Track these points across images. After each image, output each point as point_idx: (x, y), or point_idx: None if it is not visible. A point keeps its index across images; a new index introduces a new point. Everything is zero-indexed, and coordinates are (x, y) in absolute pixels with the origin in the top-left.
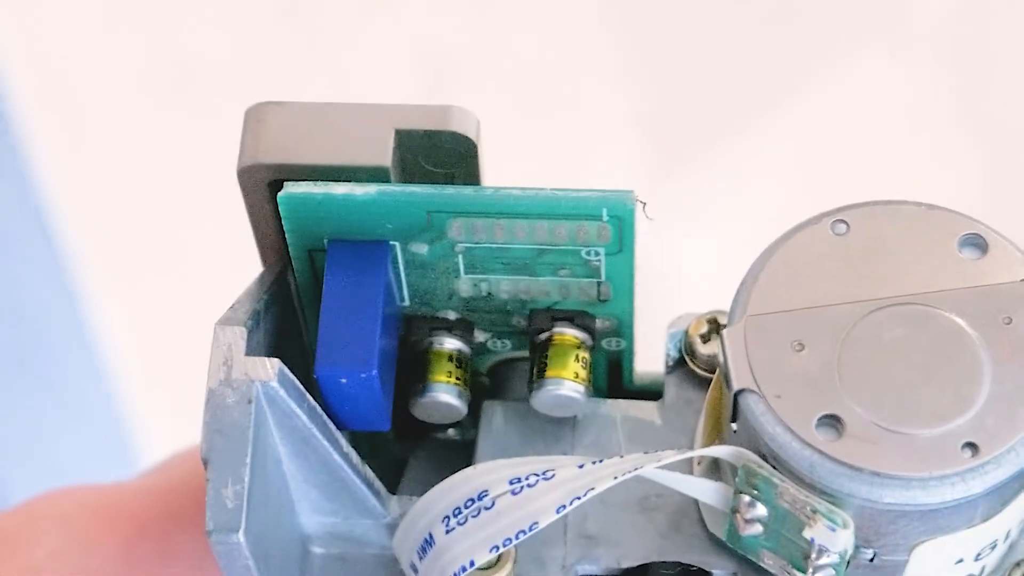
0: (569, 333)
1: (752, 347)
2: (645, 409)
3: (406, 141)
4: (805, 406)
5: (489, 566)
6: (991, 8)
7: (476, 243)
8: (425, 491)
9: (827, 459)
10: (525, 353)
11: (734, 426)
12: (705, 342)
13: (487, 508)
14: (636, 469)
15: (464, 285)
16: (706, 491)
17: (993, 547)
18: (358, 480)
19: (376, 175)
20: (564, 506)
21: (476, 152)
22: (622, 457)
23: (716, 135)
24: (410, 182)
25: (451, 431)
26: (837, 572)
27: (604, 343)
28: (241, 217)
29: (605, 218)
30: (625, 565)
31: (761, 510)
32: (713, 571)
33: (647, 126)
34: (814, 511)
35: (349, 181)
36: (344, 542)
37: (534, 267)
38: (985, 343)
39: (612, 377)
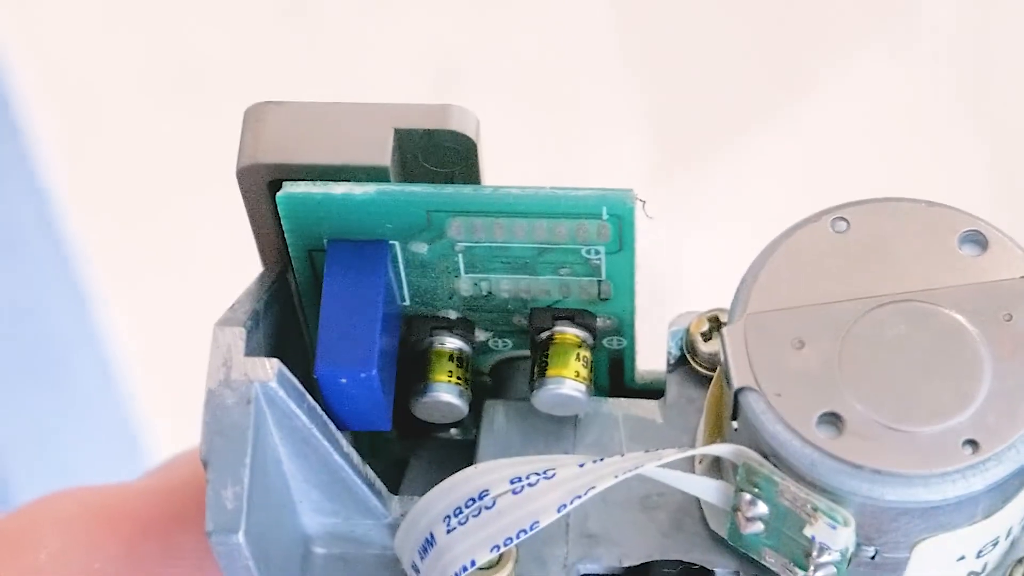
0: (570, 332)
1: (752, 345)
2: (647, 408)
3: (405, 140)
4: (805, 404)
5: (490, 565)
6: (992, 8)
7: (476, 242)
8: (427, 491)
9: (828, 457)
10: (526, 352)
11: (735, 424)
12: (706, 340)
13: (488, 507)
14: (637, 468)
15: (464, 284)
16: (707, 489)
17: (995, 544)
18: (359, 480)
19: (375, 175)
20: (565, 505)
21: (476, 151)
22: (623, 456)
23: (717, 135)
24: (410, 181)
25: (453, 431)
26: (839, 570)
27: (605, 342)
28: (243, 216)
29: (605, 216)
30: (627, 564)
31: (762, 508)
32: (715, 569)
33: (649, 125)
34: (815, 509)
35: (348, 181)
36: (345, 542)
37: (534, 266)
38: (985, 340)
39: (614, 376)
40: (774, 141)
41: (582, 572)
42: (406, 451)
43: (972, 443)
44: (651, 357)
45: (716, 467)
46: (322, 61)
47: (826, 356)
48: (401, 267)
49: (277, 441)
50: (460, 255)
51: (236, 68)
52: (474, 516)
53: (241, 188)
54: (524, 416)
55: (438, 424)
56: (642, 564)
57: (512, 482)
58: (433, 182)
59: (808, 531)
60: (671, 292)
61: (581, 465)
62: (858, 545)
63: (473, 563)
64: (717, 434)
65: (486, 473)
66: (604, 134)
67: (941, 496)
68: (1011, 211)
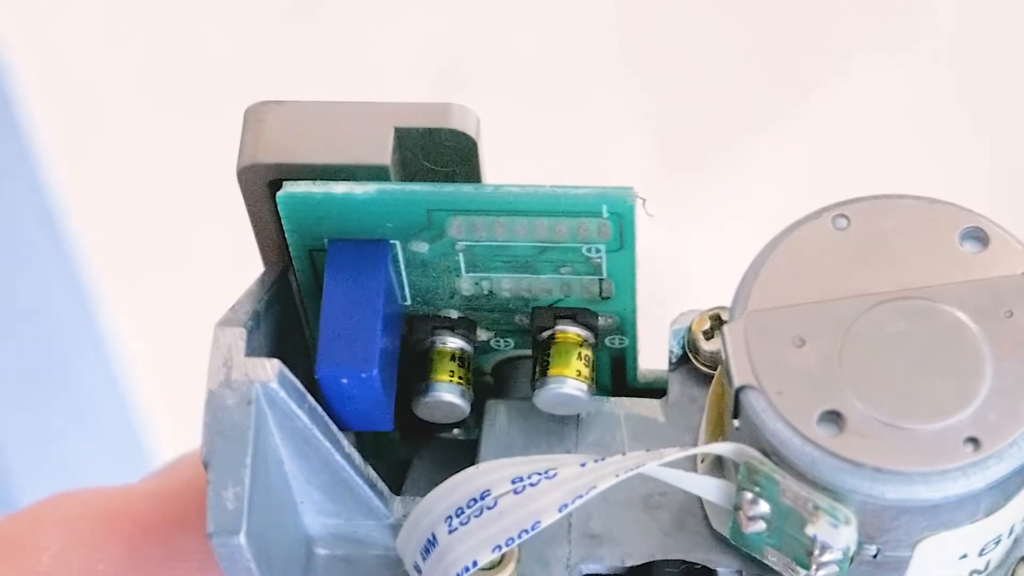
0: (571, 331)
1: (753, 343)
2: (649, 407)
3: (406, 139)
4: (806, 402)
5: (492, 566)
6: (992, 8)
7: (476, 241)
8: (429, 491)
9: (828, 455)
10: (528, 351)
11: (736, 423)
12: (708, 339)
13: (489, 508)
14: (638, 467)
15: (465, 284)
16: (709, 488)
17: (997, 542)
18: (361, 481)
19: (376, 174)
20: (566, 505)
21: (476, 150)
22: (624, 455)
23: (718, 134)
24: (410, 180)
25: (455, 430)
26: (840, 568)
27: (607, 341)
28: (244, 216)
29: (605, 215)
30: (629, 564)
31: (764, 507)
32: (717, 569)
33: (650, 125)
34: (816, 508)
35: (349, 180)
36: (348, 543)
37: (535, 265)
38: (986, 337)
39: (616, 375)
40: (774, 141)
41: (584, 572)
42: (408, 451)
43: (973, 441)
44: (653, 356)
45: (718, 466)
46: (322, 61)
47: (827, 354)
48: (402, 266)
49: (278, 442)
50: (461, 254)
51: (236, 68)
52: (476, 516)
53: (241, 188)
54: (526, 416)
55: (440, 424)
56: (644, 564)
57: (514, 482)
58: (433, 181)
59: (810, 530)
60: (672, 291)
61: (583, 464)
62: (860, 544)
63: (475, 563)
64: (719, 433)
65: (487, 473)
66: (604, 134)
67: (942, 494)
68: (1011, 210)
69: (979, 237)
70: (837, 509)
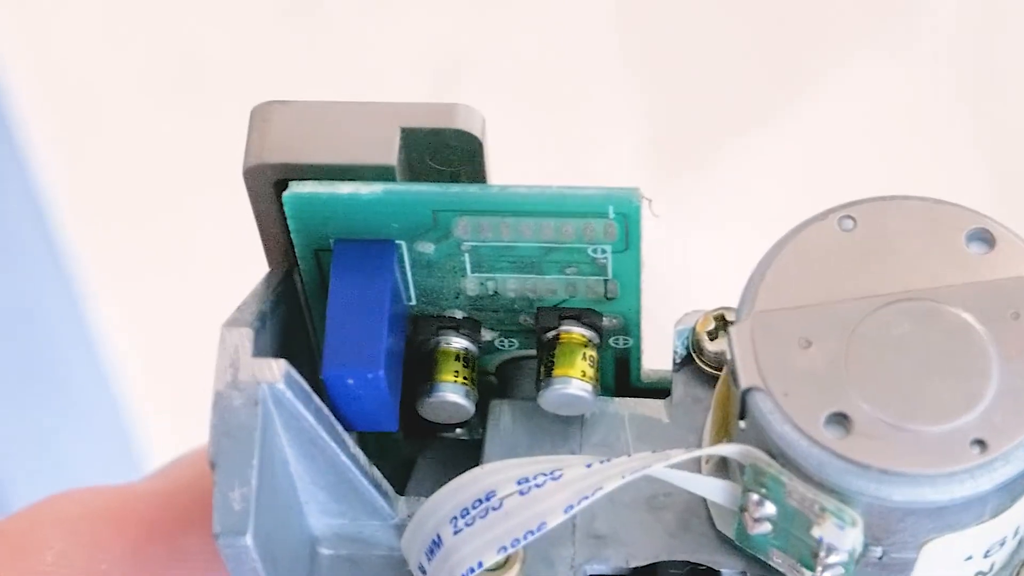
0: (576, 331)
1: (760, 344)
2: (653, 407)
3: (412, 140)
4: (813, 404)
5: (497, 567)
6: (992, 8)
7: (482, 242)
8: (433, 491)
9: (835, 457)
10: (532, 352)
11: (742, 424)
12: (712, 339)
13: (495, 509)
14: (644, 468)
15: (471, 284)
16: (715, 490)
17: (1002, 544)
18: (366, 481)
19: (382, 174)
20: (572, 506)
21: (482, 150)
22: (630, 456)
23: (720, 134)
24: (416, 181)
25: (459, 430)
26: (846, 570)
27: (611, 341)
28: (243, 217)
29: (611, 216)
30: (633, 564)
31: (770, 509)
32: (722, 570)
33: (650, 125)
34: (823, 509)
35: (355, 180)
36: (352, 543)
37: (541, 265)
38: (993, 338)
39: (619, 375)
40: (774, 140)
41: (589, 573)
42: (413, 451)
43: (980, 443)
44: (656, 356)
45: (723, 467)
46: (322, 61)
47: (833, 355)
48: (407, 267)
49: (284, 442)
50: (466, 254)
51: (236, 68)
52: (481, 517)
53: (248, 188)
54: (530, 416)
55: (444, 424)
56: (649, 565)
57: (519, 483)
58: (439, 181)
59: (816, 532)
60: (674, 291)
61: (588, 466)
62: (866, 545)
63: (480, 564)
64: (724, 433)
65: (493, 474)
66: (604, 134)
67: (949, 496)
68: (1011, 210)
69: (985, 238)
70: (843, 511)
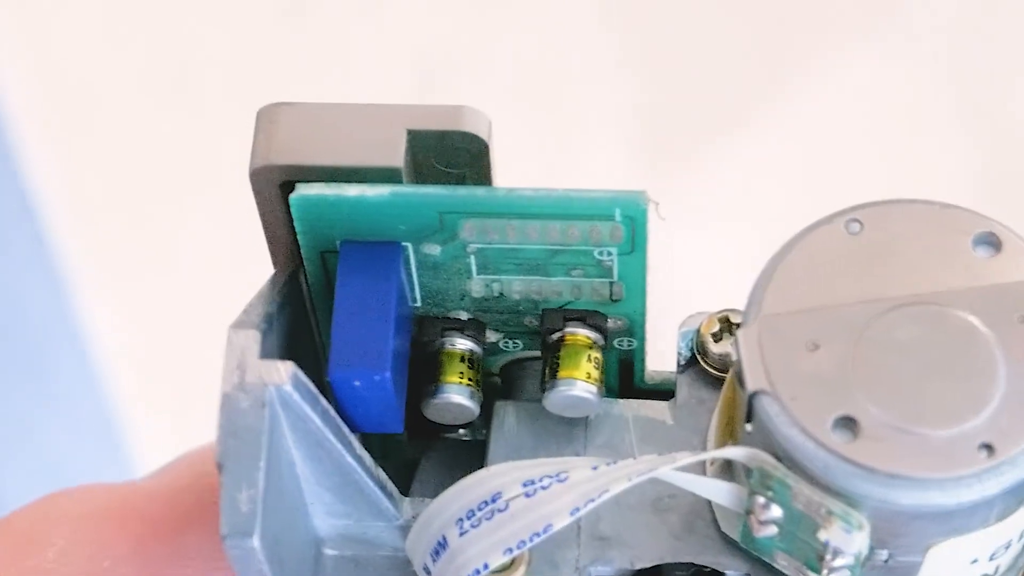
0: (581, 333)
1: (767, 348)
2: (657, 409)
3: (418, 142)
4: (820, 407)
5: (503, 569)
6: (991, 8)
7: (488, 244)
8: (437, 492)
9: (842, 461)
10: (537, 353)
11: (748, 427)
12: (717, 341)
13: (501, 511)
14: (651, 471)
15: (476, 286)
16: (720, 492)
17: (1008, 547)
18: (371, 482)
19: (388, 176)
20: (578, 508)
21: (488, 152)
22: (636, 458)
23: (717, 132)
24: (422, 183)
25: (461, 430)
26: (852, 573)
27: (616, 343)
28: (240, 217)
29: (618, 218)
30: (638, 566)
31: (776, 511)
32: (726, 572)
33: (649, 125)
34: (829, 513)
35: (361, 182)
36: (357, 544)
37: (546, 267)
38: (1000, 342)
39: (624, 377)
40: (774, 140)
41: (594, 574)
42: (417, 452)
43: (987, 447)
44: (661, 358)
45: (727, 469)
46: (322, 61)
47: (840, 359)
48: (413, 269)
49: (291, 444)
50: (472, 256)
51: (236, 68)
52: (487, 519)
53: (254, 190)
54: (534, 417)
55: (449, 425)
56: (654, 566)
57: (525, 484)
58: (445, 183)
59: (822, 535)
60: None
61: (594, 468)
62: (871, 548)
63: (486, 566)
64: (729, 436)
65: (498, 476)
66: (603, 134)
67: (956, 500)
68: (1011, 210)
69: (992, 242)
70: (850, 514)
